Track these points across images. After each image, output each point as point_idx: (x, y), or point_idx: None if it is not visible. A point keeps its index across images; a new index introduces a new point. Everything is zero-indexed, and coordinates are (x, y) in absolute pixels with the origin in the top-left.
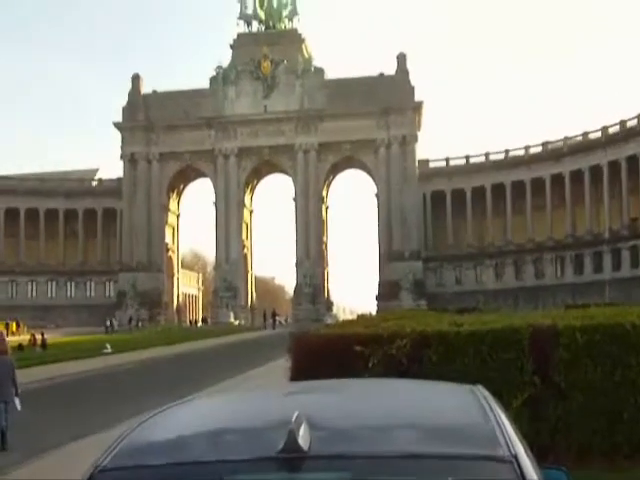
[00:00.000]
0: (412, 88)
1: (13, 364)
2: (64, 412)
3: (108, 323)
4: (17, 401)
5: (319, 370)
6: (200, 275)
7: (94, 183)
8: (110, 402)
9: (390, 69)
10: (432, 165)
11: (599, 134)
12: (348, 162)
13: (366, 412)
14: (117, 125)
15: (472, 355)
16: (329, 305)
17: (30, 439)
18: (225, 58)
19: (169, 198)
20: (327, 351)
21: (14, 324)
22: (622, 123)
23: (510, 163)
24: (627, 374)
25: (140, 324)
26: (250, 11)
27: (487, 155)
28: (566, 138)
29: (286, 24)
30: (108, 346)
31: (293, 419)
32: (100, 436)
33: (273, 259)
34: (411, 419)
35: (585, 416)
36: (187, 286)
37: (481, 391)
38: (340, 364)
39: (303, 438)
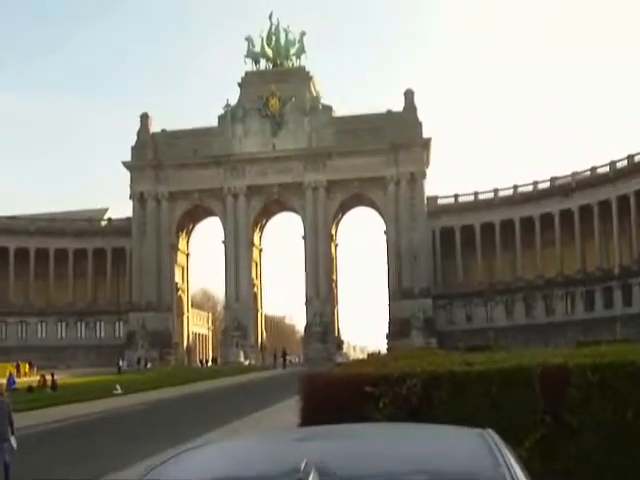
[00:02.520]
0: (420, 125)
1: (9, 405)
2: (71, 455)
3: (121, 363)
4: (13, 440)
5: (329, 411)
6: (210, 314)
7: (103, 223)
8: (118, 444)
9: (398, 106)
10: (441, 202)
11: (607, 169)
12: (357, 199)
13: (375, 458)
14: (126, 164)
15: (482, 395)
16: (339, 344)
17: None
18: (233, 96)
19: (178, 237)
20: (337, 391)
21: (26, 365)
22: (630, 158)
23: (519, 199)
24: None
25: (149, 364)
26: (258, 49)
27: (496, 191)
28: (574, 173)
29: (294, 62)
30: (118, 387)
31: (302, 467)
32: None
33: (283, 298)
34: (420, 465)
35: (597, 455)
36: (197, 326)
37: (491, 435)
38: (351, 404)
39: None
